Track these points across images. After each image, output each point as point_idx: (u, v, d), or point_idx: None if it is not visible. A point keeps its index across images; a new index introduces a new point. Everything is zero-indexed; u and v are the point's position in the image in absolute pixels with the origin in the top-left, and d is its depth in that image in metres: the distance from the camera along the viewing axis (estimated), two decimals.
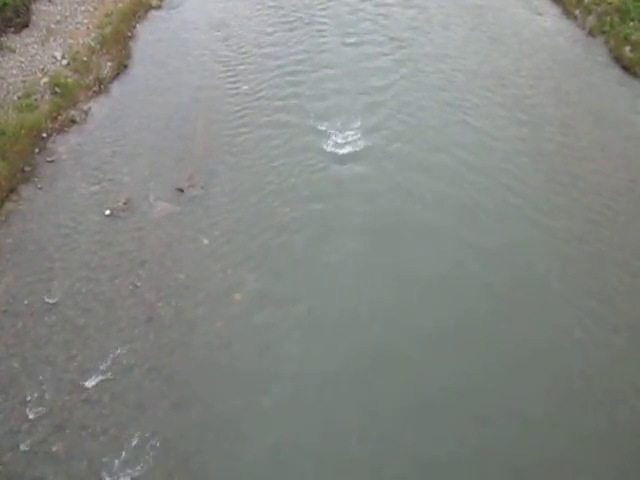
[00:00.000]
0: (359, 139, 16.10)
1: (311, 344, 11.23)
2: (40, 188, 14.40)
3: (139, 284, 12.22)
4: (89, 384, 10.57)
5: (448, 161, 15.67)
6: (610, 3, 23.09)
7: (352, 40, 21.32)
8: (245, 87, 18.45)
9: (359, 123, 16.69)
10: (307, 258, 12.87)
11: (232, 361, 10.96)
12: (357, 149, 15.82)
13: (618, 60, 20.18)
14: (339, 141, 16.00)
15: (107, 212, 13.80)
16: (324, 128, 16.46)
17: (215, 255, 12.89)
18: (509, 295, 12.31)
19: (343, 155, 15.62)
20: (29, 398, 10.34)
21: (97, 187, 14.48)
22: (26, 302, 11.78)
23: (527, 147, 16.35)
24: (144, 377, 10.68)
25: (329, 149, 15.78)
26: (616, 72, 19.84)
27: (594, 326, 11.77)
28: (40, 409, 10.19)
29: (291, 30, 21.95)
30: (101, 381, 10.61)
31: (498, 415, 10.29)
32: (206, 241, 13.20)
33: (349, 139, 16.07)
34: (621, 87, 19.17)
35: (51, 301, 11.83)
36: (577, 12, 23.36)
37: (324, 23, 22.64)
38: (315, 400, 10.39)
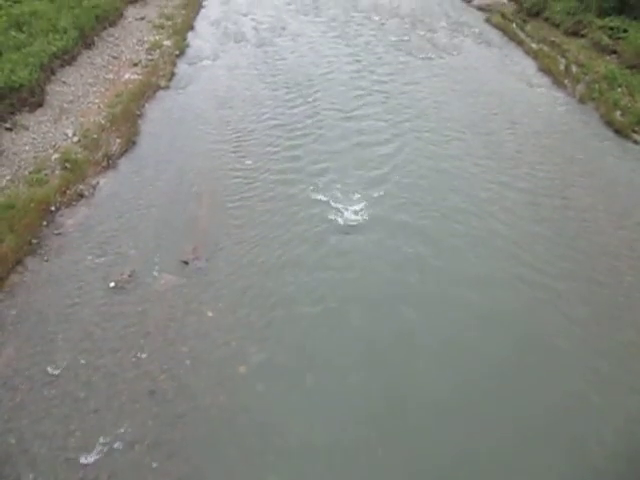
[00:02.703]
0: (361, 210, 16.43)
1: (317, 421, 10.93)
2: (46, 260, 14.54)
3: (142, 357, 12.08)
4: (87, 461, 10.17)
5: (448, 230, 15.91)
6: (597, 72, 24.41)
7: (351, 114, 22.37)
8: (249, 162, 19.02)
9: (360, 193, 17.12)
10: (312, 331, 12.76)
11: (236, 437, 10.64)
12: (360, 220, 16.07)
13: (610, 124, 21.08)
14: (342, 213, 16.30)
15: (112, 284, 13.85)
16: (327, 200, 16.83)
17: (219, 327, 12.81)
18: (518, 360, 12.11)
19: (347, 226, 15.85)
20: (24, 476, 9.96)
21: (103, 259, 14.61)
22: (26, 375, 11.60)
23: (526, 211, 16.65)
24: (145, 454, 10.32)
25: (333, 221, 16.04)
26: (609, 135, 20.70)
27: (608, 388, 11.51)
28: None
29: (293, 107, 22.96)
30: (100, 458, 10.23)
31: None
32: (210, 313, 13.17)
33: (352, 210, 16.39)
34: (616, 148, 19.95)
35: (52, 374, 11.65)
36: (566, 81, 24.68)
37: (324, 99, 23.79)
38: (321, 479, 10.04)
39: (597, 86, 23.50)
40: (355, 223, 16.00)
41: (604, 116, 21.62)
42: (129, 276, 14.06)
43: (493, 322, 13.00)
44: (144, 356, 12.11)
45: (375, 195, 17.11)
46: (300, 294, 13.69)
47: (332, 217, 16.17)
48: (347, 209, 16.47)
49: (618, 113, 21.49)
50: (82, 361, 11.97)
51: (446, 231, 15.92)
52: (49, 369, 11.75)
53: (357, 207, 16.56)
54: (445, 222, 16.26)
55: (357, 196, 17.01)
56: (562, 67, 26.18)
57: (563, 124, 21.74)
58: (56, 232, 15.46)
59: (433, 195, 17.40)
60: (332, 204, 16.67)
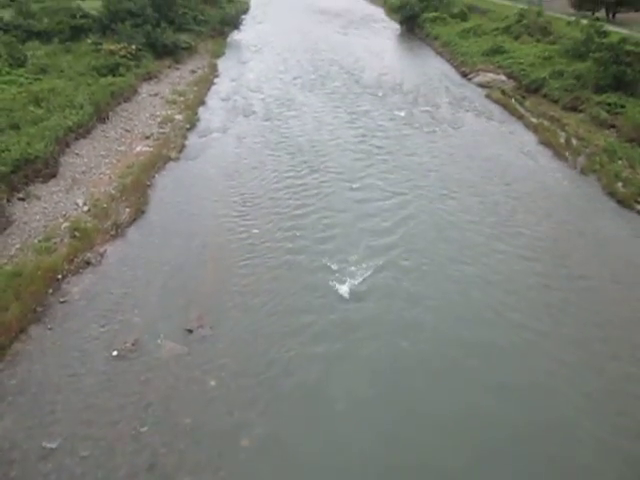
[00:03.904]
0: (366, 278, 16.42)
1: None
2: (50, 328, 14.45)
3: (142, 429, 11.73)
4: None
5: (456, 300, 15.77)
6: (597, 145, 25.03)
7: (356, 185, 22.85)
8: (255, 230, 19.24)
9: (365, 261, 17.17)
10: (318, 403, 12.42)
11: None
12: (365, 287, 16.04)
13: (612, 195, 21.42)
14: (348, 281, 16.28)
15: (114, 353, 13.68)
16: (333, 268, 16.87)
17: (222, 397, 12.50)
18: (534, 437, 11.62)
19: (352, 294, 15.77)
20: None
21: (107, 328, 14.51)
22: (23, 448, 11.23)
23: (533, 281, 16.52)
24: None
25: (338, 289, 16.00)
26: (612, 205, 20.96)
27: (630, 469, 11.00)
28: None
29: (299, 177, 23.50)
30: None
31: None
32: (213, 383, 12.90)
33: (357, 278, 16.39)
34: (620, 219, 20.11)
35: (49, 447, 11.28)
36: (567, 154, 25.24)
37: (330, 168, 24.43)
38: None
39: (598, 158, 24.05)
40: (360, 291, 15.94)
41: (606, 187, 21.96)
42: (132, 344, 13.91)
43: (507, 397, 12.59)
44: (144, 428, 11.76)
45: (379, 263, 17.15)
46: (305, 364, 13.42)
47: (337, 285, 16.14)
48: (352, 277, 16.48)
49: (620, 184, 21.84)
50: (81, 434, 11.61)
51: (449, 299, 15.80)
52: (47, 442, 11.38)
53: (362, 275, 16.58)
54: (448, 290, 16.17)
55: (362, 264, 17.07)
56: (562, 140, 26.89)
57: (567, 195, 22.03)
58: (61, 300, 15.46)
59: (435, 262, 17.42)
60: (337, 272, 16.70)
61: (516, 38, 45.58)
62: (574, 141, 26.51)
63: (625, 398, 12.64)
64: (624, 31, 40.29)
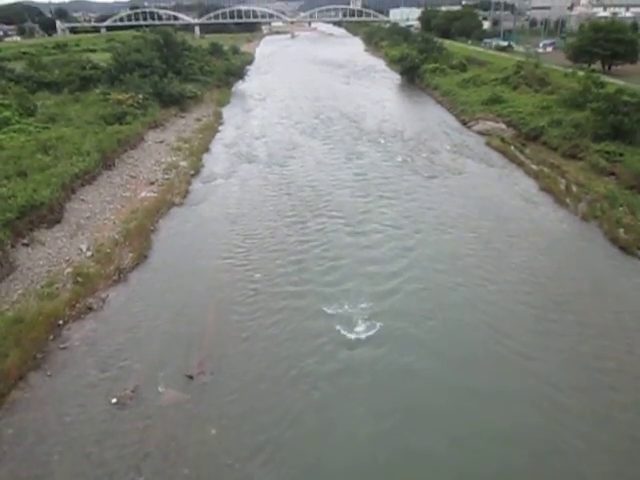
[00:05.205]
0: (369, 323, 16.25)
1: None
2: (49, 375, 14.26)
3: None
4: None
5: (459, 344, 15.57)
6: (597, 192, 25.21)
7: (357, 229, 23.00)
8: (257, 275, 19.23)
9: (367, 306, 17.06)
10: (320, 451, 12.11)
11: None
12: (367, 333, 15.87)
13: (614, 241, 21.39)
14: (350, 326, 16.12)
15: (114, 400, 13.45)
16: (335, 313, 16.75)
17: (222, 447, 12.20)
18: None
19: (355, 340, 15.60)
20: None
21: (107, 374, 14.32)
22: None
23: (537, 326, 16.31)
24: None
25: (340, 333, 15.84)
26: (615, 251, 20.89)
27: None
28: None
29: (303, 222, 23.68)
30: None
31: None
32: (214, 431, 12.62)
33: (359, 323, 16.23)
34: (623, 265, 19.95)
35: None
36: (568, 200, 25.37)
37: (330, 213, 24.69)
38: None
39: (599, 205, 24.17)
40: (363, 336, 15.74)
41: (608, 233, 21.95)
42: (132, 392, 13.69)
43: (509, 443, 12.28)
44: (141, 479, 11.45)
45: (382, 308, 17.00)
46: (307, 412, 13.15)
47: (340, 330, 15.96)
48: (354, 322, 16.29)
49: (622, 231, 21.85)
50: None
51: (452, 343, 15.59)
52: None
53: (363, 318, 16.40)
54: (451, 337, 15.94)
55: (363, 309, 16.94)
56: (563, 187, 27.11)
57: (570, 240, 21.99)
58: (62, 346, 15.32)
59: (436, 307, 17.24)
60: (340, 317, 16.54)
61: (514, 88, 46.69)
62: (574, 188, 26.73)
63: (634, 448, 12.30)
64: (620, 82, 41.22)
